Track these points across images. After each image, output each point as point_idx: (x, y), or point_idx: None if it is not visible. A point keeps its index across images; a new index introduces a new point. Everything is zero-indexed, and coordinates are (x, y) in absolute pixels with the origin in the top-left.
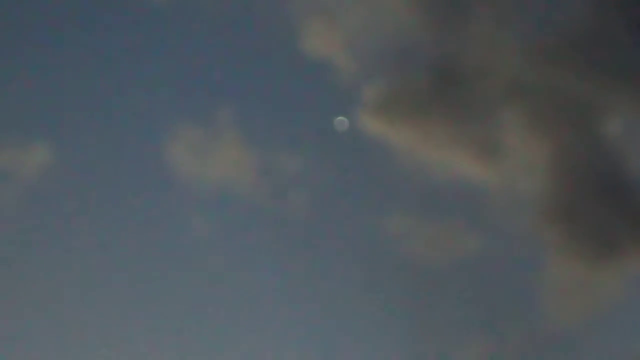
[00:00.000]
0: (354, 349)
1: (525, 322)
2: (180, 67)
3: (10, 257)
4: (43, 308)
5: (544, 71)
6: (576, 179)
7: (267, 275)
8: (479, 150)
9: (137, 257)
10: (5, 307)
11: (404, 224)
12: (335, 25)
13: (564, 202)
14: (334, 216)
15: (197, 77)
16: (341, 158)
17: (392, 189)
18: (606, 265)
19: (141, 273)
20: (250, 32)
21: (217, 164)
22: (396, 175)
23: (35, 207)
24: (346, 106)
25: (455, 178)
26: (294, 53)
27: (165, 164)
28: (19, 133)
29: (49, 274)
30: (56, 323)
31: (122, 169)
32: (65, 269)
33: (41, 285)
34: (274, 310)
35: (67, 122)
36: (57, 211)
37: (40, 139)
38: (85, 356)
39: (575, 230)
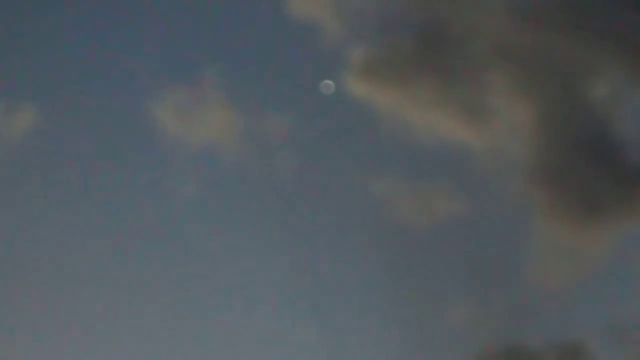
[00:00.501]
0: (338, 312)
1: (511, 284)
2: (165, 29)
3: None
4: (26, 275)
5: (530, 34)
6: (563, 141)
7: (252, 236)
8: (466, 112)
9: (124, 218)
10: None
11: (390, 186)
12: None
13: (551, 164)
14: (320, 178)
15: (183, 38)
16: (327, 120)
17: (378, 151)
18: (593, 227)
19: (127, 234)
20: None
21: (203, 125)
22: (382, 138)
23: (21, 168)
24: (332, 69)
25: (441, 141)
26: (281, 15)
27: (151, 125)
28: (5, 96)
29: (33, 233)
30: (34, 279)
31: (108, 130)
32: (51, 229)
33: (25, 244)
34: (258, 272)
35: (52, 84)
36: (43, 172)
37: (26, 101)
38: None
39: (562, 192)
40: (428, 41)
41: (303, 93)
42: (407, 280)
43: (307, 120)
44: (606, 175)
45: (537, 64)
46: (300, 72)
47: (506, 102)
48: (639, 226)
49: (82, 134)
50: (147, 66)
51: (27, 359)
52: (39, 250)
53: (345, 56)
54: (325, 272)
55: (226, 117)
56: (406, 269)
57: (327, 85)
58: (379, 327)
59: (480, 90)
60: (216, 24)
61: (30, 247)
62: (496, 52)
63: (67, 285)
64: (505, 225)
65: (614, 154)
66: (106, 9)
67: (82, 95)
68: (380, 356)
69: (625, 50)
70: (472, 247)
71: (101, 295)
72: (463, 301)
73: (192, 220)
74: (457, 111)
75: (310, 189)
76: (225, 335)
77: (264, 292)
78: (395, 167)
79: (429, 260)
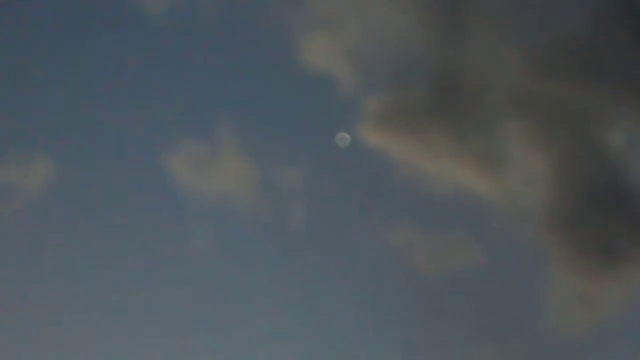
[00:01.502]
0: None
1: (529, 332)
2: (180, 81)
3: (14, 268)
4: (46, 319)
5: (545, 83)
6: (578, 190)
7: (268, 287)
8: (481, 162)
9: (140, 269)
10: (9, 317)
11: (406, 235)
12: (336, 38)
13: (567, 213)
14: (336, 229)
15: (198, 91)
16: (343, 170)
17: (394, 201)
18: (610, 275)
19: (144, 285)
20: (251, 45)
21: (218, 177)
22: (398, 188)
23: (38, 221)
24: (347, 119)
25: (457, 190)
26: (295, 66)
27: (167, 177)
28: (22, 148)
29: (52, 286)
30: (58, 334)
31: (124, 183)
32: (68, 281)
33: (44, 298)
34: (276, 322)
35: (69, 137)
36: (59, 225)
37: (43, 154)
38: None
39: (578, 240)
40: (443, 91)
41: (318, 143)
42: (425, 330)
43: (323, 170)
44: (622, 224)
45: (552, 114)
46: (315, 122)
47: (522, 151)
48: None
49: (97, 187)
50: (162, 119)
51: None
52: (57, 302)
53: (360, 106)
54: (342, 321)
55: (242, 169)
56: (424, 318)
57: (343, 137)
58: None
59: (496, 140)
60: (231, 76)
61: (47, 299)
62: (511, 102)
63: (83, 334)
64: (522, 274)
65: (629, 203)
66: (122, 62)
67: (98, 147)
68: None
69: None
70: (489, 296)
71: (117, 347)
72: (481, 350)
73: (208, 270)
74: (473, 161)
75: (327, 238)
76: None
77: (282, 342)
78: (411, 216)
79: (447, 309)
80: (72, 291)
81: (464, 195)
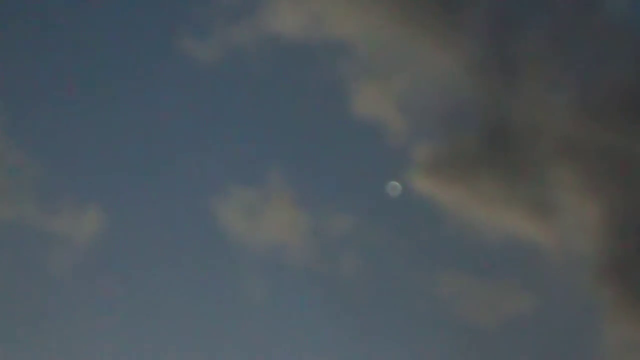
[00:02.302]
0: None
1: None
2: (231, 129)
3: (65, 320)
4: None
5: (595, 130)
6: (630, 238)
7: (320, 337)
8: (531, 209)
9: (191, 320)
10: None
11: (456, 284)
12: (385, 86)
13: (619, 261)
14: (386, 277)
15: (249, 138)
16: (393, 219)
17: (444, 249)
18: None
19: (195, 337)
20: (301, 94)
21: (269, 225)
22: (448, 236)
23: (89, 271)
24: (397, 167)
25: (507, 238)
26: (345, 115)
27: (218, 226)
28: (73, 197)
29: (105, 338)
30: None
31: (175, 232)
32: (120, 334)
33: (99, 348)
34: None
35: (120, 186)
36: (110, 275)
37: (94, 202)
38: None
39: (631, 289)
40: (493, 137)
41: (368, 191)
42: None
43: (373, 218)
44: None
45: (602, 159)
46: (365, 170)
47: (572, 198)
48: None
49: (147, 236)
50: (213, 167)
51: None
52: (111, 354)
53: (410, 154)
54: None
55: (292, 217)
56: None
57: (394, 186)
58: None
59: (546, 187)
60: (281, 124)
61: (100, 353)
62: (562, 149)
63: None
64: (574, 323)
65: None
66: (171, 109)
67: (147, 197)
68: None
69: None
70: (540, 346)
71: None
72: None
73: (261, 321)
74: (523, 208)
75: (377, 287)
76: None
77: None
78: (461, 264)
79: (497, 358)
80: (125, 344)
81: (514, 243)
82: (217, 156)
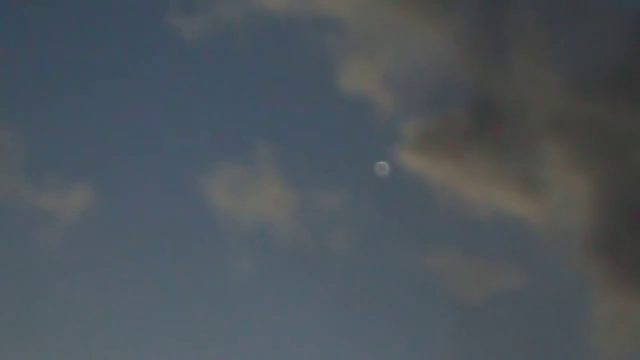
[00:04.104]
0: None
1: (569, 356)
2: (218, 105)
3: (51, 298)
4: (82, 348)
5: (584, 106)
6: (619, 212)
7: (307, 313)
8: (521, 185)
9: (179, 297)
10: (45, 347)
11: (445, 260)
12: (373, 62)
13: (607, 236)
14: (374, 254)
15: (236, 115)
16: (381, 195)
17: (433, 225)
18: None
19: (183, 313)
20: (288, 70)
21: (257, 202)
22: (437, 212)
23: (77, 248)
24: (386, 143)
25: (496, 213)
26: (333, 90)
27: (205, 202)
28: (60, 175)
29: (92, 313)
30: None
31: (162, 209)
32: (107, 309)
33: (82, 326)
34: (314, 349)
35: (107, 163)
36: (98, 252)
37: (81, 180)
38: None
39: (619, 263)
40: (482, 114)
41: (356, 168)
42: (465, 355)
43: (361, 194)
44: None
45: (592, 135)
46: (353, 146)
47: (561, 174)
48: None
49: (135, 213)
50: (200, 144)
51: None
52: (95, 332)
53: (399, 130)
54: (381, 346)
55: (280, 194)
56: (464, 343)
57: (382, 166)
58: None
59: (535, 163)
60: (268, 100)
61: (87, 329)
62: (551, 125)
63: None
64: (562, 298)
65: None
66: (160, 87)
67: (135, 174)
68: None
69: None
70: (529, 321)
71: None
72: None
73: (247, 296)
74: (512, 184)
75: (365, 264)
76: None
77: None
78: (450, 241)
79: (487, 334)
80: (110, 317)
81: (503, 219)
82: (205, 133)
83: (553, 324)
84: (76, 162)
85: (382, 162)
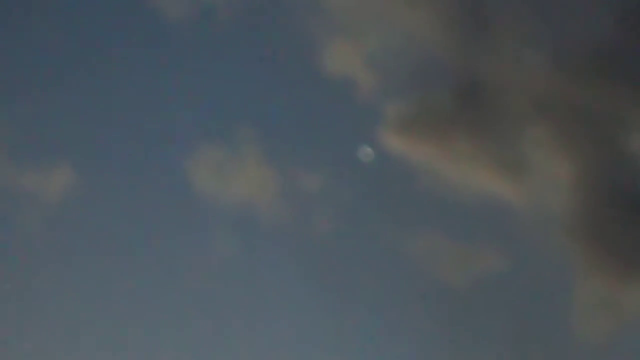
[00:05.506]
0: None
1: (551, 338)
2: (200, 87)
3: (33, 279)
4: (64, 329)
5: (567, 88)
6: (602, 195)
7: (289, 295)
8: (504, 168)
9: (160, 277)
10: (26, 328)
11: (428, 243)
12: (356, 43)
13: (590, 219)
14: (357, 235)
15: (218, 96)
16: (364, 177)
17: (415, 207)
18: (632, 281)
19: (166, 294)
20: (271, 51)
21: (239, 183)
22: (419, 194)
23: (59, 229)
24: (368, 125)
25: (479, 196)
26: (316, 72)
27: (187, 183)
28: (42, 155)
29: (75, 295)
30: (75, 346)
31: (144, 190)
32: (87, 290)
33: (63, 307)
34: (297, 331)
35: (89, 144)
36: (80, 233)
37: (63, 161)
38: None
39: (602, 246)
40: (465, 96)
41: (339, 149)
42: (447, 338)
43: (344, 176)
44: None
45: (576, 118)
46: (335, 127)
47: (545, 157)
48: None
49: (117, 194)
50: (182, 125)
51: None
52: (76, 314)
53: (381, 111)
54: (363, 330)
55: (262, 175)
56: (446, 327)
57: (366, 152)
58: None
59: (519, 145)
60: (250, 82)
61: (68, 310)
62: (534, 107)
63: (99, 343)
64: (546, 281)
65: None
66: (141, 68)
67: (117, 155)
68: None
69: None
70: (512, 304)
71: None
72: (503, 357)
73: (231, 278)
74: (495, 166)
75: (347, 246)
76: None
77: (302, 352)
78: (432, 223)
79: (469, 317)
80: (91, 299)
81: (486, 202)
82: (186, 114)
83: (536, 307)
84: (58, 144)
85: (366, 147)
